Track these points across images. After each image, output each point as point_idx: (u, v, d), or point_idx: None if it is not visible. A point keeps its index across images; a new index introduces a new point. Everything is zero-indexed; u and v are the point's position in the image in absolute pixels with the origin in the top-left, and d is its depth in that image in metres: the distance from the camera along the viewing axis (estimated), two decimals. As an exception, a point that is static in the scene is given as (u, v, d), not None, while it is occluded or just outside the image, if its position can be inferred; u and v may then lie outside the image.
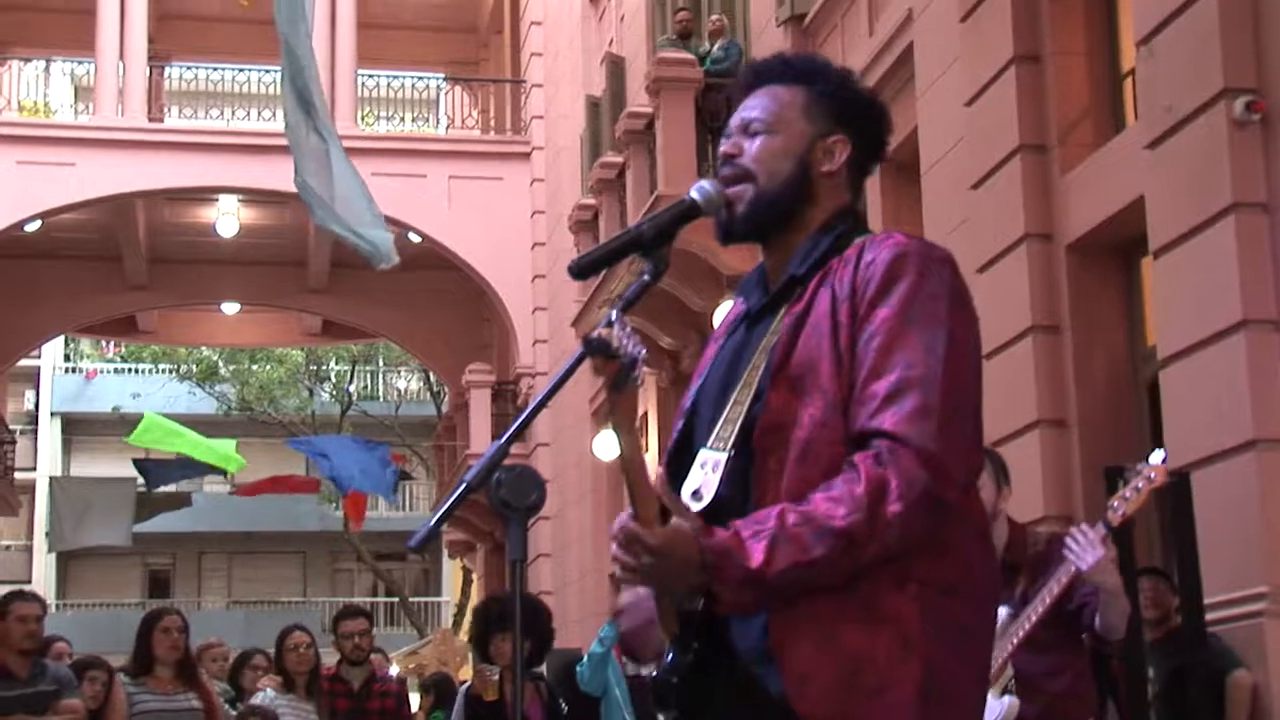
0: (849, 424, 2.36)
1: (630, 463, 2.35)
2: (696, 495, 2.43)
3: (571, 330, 18.61)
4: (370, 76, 24.90)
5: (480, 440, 22.96)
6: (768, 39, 13.77)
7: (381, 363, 39.78)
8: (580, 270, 2.44)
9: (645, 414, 17.78)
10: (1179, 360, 7.28)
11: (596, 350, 2.30)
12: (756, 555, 2.26)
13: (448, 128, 25.40)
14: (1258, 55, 6.95)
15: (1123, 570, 5.52)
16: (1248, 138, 6.91)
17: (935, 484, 2.31)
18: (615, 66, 18.72)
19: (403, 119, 29.80)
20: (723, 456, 2.45)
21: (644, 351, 2.33)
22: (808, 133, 2.59)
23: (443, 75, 26.49)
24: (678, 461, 2.55)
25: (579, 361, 2.34)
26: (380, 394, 39.94)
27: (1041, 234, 8.73)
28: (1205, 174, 7.08)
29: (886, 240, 2.48)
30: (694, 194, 2.52)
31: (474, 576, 28.28)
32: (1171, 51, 7.38)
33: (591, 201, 17.31)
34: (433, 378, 32.95)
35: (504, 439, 2.23)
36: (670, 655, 2.42)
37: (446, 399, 29.91)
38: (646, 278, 2.44)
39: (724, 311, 11.31)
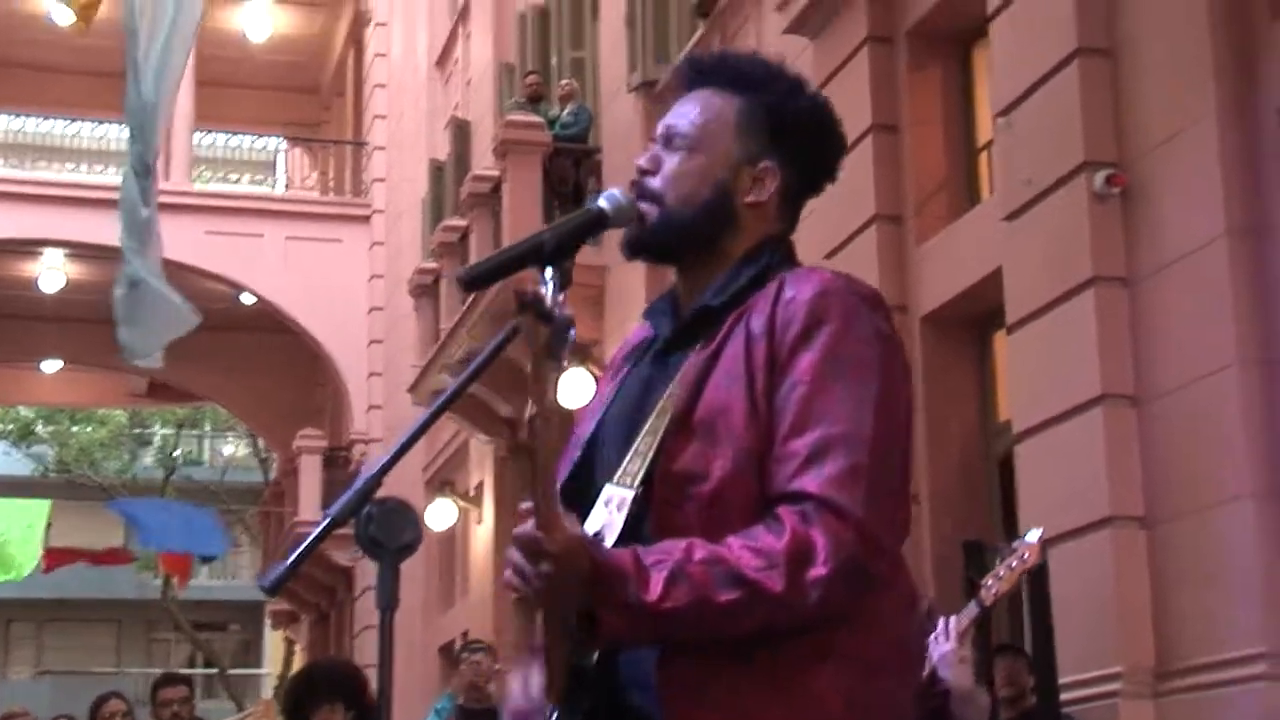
0: (766, 483, 2.10)
1: (545, 451, 2.03)
2: (598, 538, 2.14)
3: (408, 396, 18.21)
4: (207, 134, 24.39)
5: (309, 507, 22.38)
6: (618, 105, 13.64)
7: (208, 426, 38.83)
8: (471, 281, 2.15)
9: (480, 483, 17.43)
10: (1035, 435, 7.19)
11: (531, 307, 2.01)
12: (654, 586, 2.00)
13: (286, 188, 24.93)
14: (1118, 129, 6.93)
15: (980, 649, 5.36)
16: (1108, 211, 6.86)
17: (863, 554, 2.06)
18: (460, 130, 18.48)
19: (239, 179, 29.23)
20: (630, 494, 2.17)
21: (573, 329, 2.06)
22: (733, 155, 2.30)
23: (282, 135, 26.04)
24: (570, 497, 2.23)
25: (501, 345, 2.06)
26: (206, 459, 38.97)
27: (896, 305, 8.63)
28: (1065, 247, 7.02)
29: (809, 276, 2.21)
30: (603, 202, 2.23)
31: (297, 648, 27.53)
32: (1031, 124, 7.34)
33: (433, 265, 17.00)
34: (260, 443, 32.19)
35: (380, 466, 1.95)
36: (554, 718, 2.11)
37: (275, 465, 29.20)
38: (549, 289, 2.11)
39: (571, 380, 11.04)
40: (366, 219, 23.03)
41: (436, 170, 18.92)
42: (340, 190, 24.40)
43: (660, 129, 2.35)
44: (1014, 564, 4.68)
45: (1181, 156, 6.56)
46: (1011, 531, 7.41)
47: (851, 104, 8.98)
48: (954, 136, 8.86)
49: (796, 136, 2.31)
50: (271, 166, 29.83)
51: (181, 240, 19.18)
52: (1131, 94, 6.90)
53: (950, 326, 8.55)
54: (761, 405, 2.11)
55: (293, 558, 1.92)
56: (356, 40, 25.31)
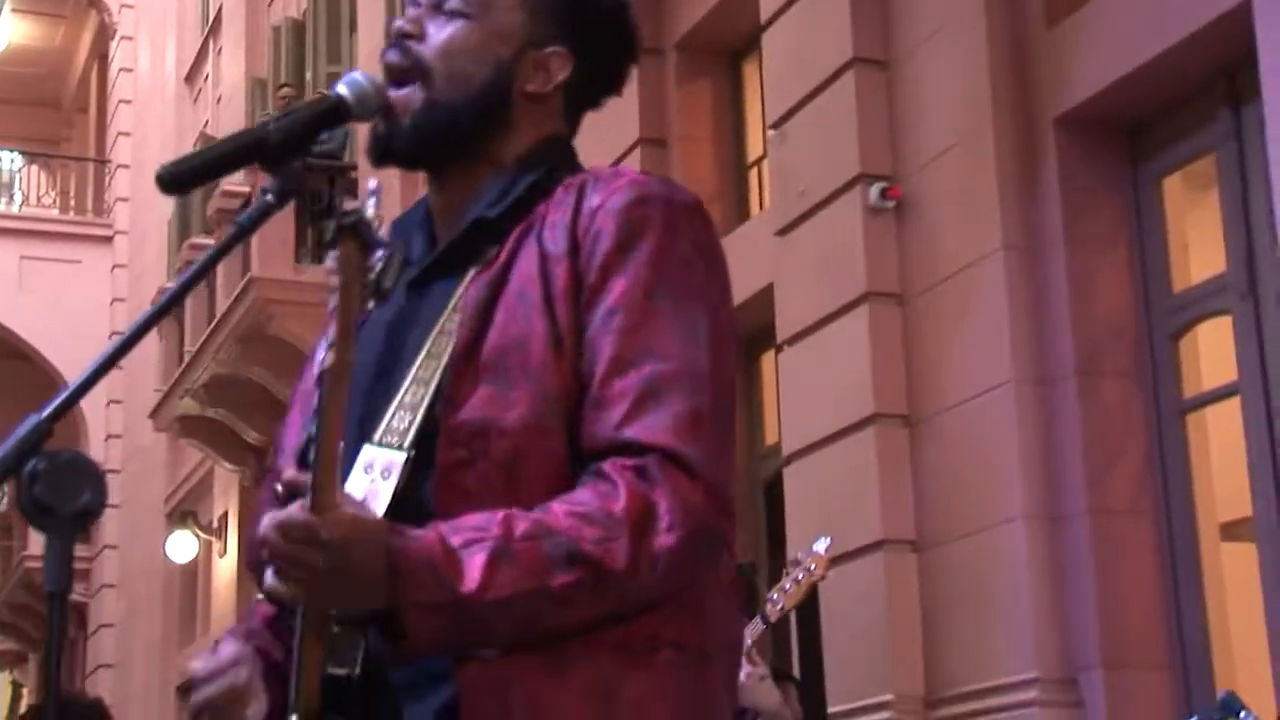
0: (584, 431, 1.70)
1: (332, 411, 1.61)
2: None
3: (149, 423, 17.39)
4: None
5: (39, 541, 21.26)
6: (376, 121, 13.19)
7: (-66, 458, 36.94)
8: (174, 179, 1.63)
9: (225, 514, 16.72)
10: (804, 456, 6.96)
11: (355, 230, 1.62)
12: (471, 572, 1.59)
13: (22, 205, 23.78)
14: (893, 141, 6.76)
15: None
16: (882, 225, 6.68)
17: (714, 516, 1.69)
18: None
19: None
20: (400, 457, 1.73)
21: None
22: (518, 33, 1.88)
23: (19, 150, 24.85)
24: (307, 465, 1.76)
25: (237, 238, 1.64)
26: (-69, 492, 37.06)
27: (661, 324, 8.36)
28: (838, 262, 6.81)
29: (616, 180, 1.80)
30: (342, 87, 1.75)
31: (24, 691, 26.23)
32: (805, 136, 7.14)
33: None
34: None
35: (50, 409, 1.51)
36: None
37: (4, 499, 27.82)
38: (269, 198, 1.67)
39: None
40: (109, 239, 22.09)
41: (184, 188, 18.17)
42: (81, 209, 23.36)
43: None
44: (800, 576, 4.40)
45: (957, 169, 6.41)
46: (778, 556, 7.17)
47: (618, 118, 8.70)
48: (724, 151, 8.64)
49: (592, 27, 1.92)
50: (7, 184, 28.55)
51: (-96, 257, 18.11)
52: (907, 106, 6.74)
53: (717, 346, 8.31)
54: (567, 338, 1.72)
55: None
56: (101, 54, 24.34)
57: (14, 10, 23.77)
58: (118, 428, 20.99)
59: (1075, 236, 6.09)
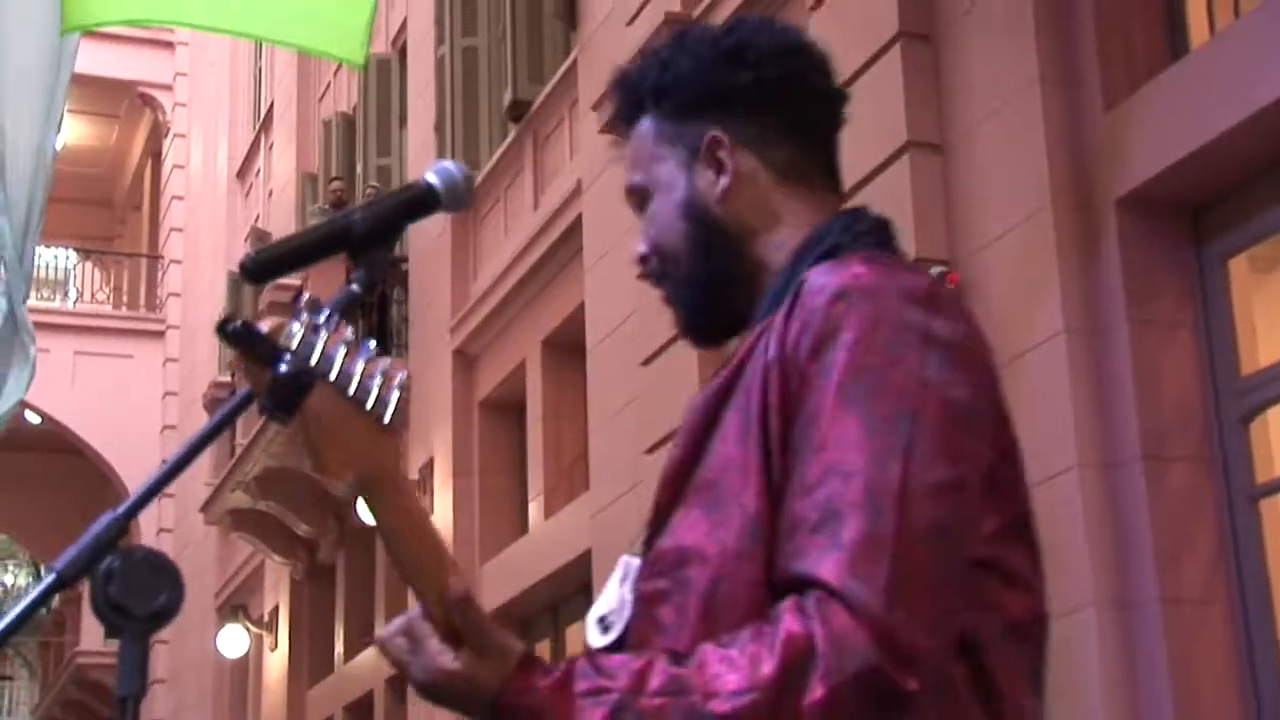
0: (774, 561, 1.53)
1: (392, 534, 1.54)
2: (604, 624, 1.63)
3: (200, 516, 17.40)
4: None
5: (93, 637, 21.32)
6: (426, 213, 13.24)
7: (-12, 554, 37.07)
8: (258, 268, 1.55)
9: (275, 608, 16.65)
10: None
11: (240, 340, 1.48)
12: None
13: (76, 302, 23.99)
14: (949, 225, 6.70)
15: None
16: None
17: (883, 663, 1.43)
18: (261, 240, 17.87)
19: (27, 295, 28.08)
20: (636, 565, 1.66)
21: (372, 365, 1.55)
22: (673, 165, 1.76)
23: (74, 249, 25.11)
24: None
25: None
26: (-18, 588, 37.14)
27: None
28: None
29: (834, 272, 1.60)
30: (431, 176, 1.64)
31: (76, 787, 26.04)
32: (860, 222, 7.09)
33: (229, 379, 16.33)
34: (43, 570, 30.74)
35: (125, 507, 1.45)
36: None
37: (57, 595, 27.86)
38: (355, 288, 1.60)
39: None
40: (160, 334, 22.25)
41: (235, 281, 18.30)
42: (134, 305, 23.55)
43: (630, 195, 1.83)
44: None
45: (1016, 252, 6.34)
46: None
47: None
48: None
49: (729, 85, 1.75)
50: (63, 282, 28.84)
51: (-40, 354, 18.22)
52: (963, 189, 6.69)
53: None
54: (777, 454, 1.54)
55: (7, 621, 1.40)
56: (154, 152, 24.63)
57: (70, 111, 24.07)
58: (169, 521, 21.02)
59: (1138, 319, 6.00)
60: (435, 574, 1.54)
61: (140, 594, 1.40)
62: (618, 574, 1.65)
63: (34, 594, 1.41)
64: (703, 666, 1.46)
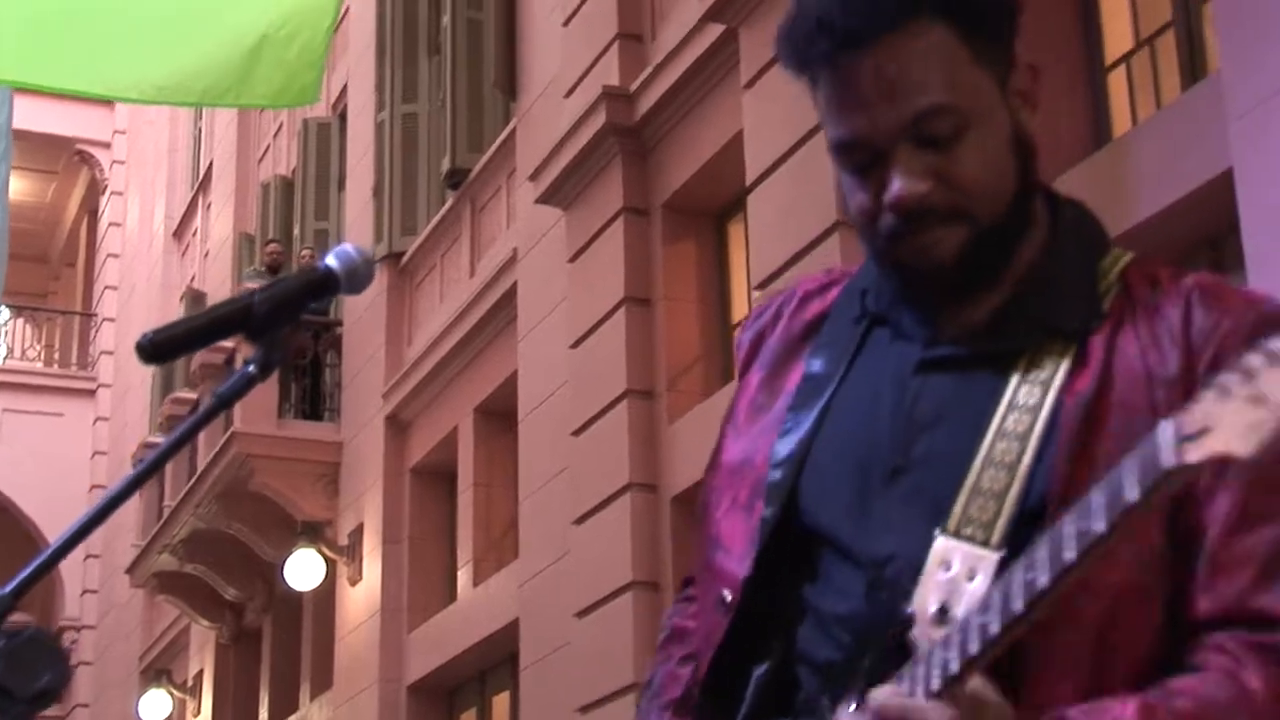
0: (1194, 595, 1.43)
1: None
2: (946, 615, 1.44)
3: (126, 578, 17.19)
4: (-78, 300, 23.18)
5: None
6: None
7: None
8: (155, 348, 1.58)
9: (200, 672, 16.45)
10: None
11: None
12: None
13: (6, 358, 23.75)
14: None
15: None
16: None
17: None
18: (196, 301, 17.81)
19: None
20: (989, 557, 1.43)
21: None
22: (996, 95, 1.54)
23: (5, 305, 24.88)
24: (777, 550, 1.55)
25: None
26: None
27: (645, 484, 8.30)
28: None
29: (1226, 296, 1.52)
30: (331, 259, 1.66)
31: None
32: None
33: (158, 439, 16.18)
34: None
35: (14, 584, 1.46)
36: None
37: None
38: (252, 369, 1.62)
39: (301, 561, 10.24)
40: (92, 393, 22.04)
41: (168, 342, 18.18)
42: (65, 362, 23.33)
43: (899, 125, 1.50)
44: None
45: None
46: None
47: (604, 277, 8.73)
48: (709, 311, 8.65)
49: (1014, 6, 1.56)
50: (-7, 337, 28.58)
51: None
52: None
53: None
54: None
55: None
56: (91, 209, 24.49)
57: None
58: (94, 583, 20.76)
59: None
60: None
61: (24, 674, 1.39)
62: (935, 557, 1.45)
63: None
64: (1193, 704, 1.37)
